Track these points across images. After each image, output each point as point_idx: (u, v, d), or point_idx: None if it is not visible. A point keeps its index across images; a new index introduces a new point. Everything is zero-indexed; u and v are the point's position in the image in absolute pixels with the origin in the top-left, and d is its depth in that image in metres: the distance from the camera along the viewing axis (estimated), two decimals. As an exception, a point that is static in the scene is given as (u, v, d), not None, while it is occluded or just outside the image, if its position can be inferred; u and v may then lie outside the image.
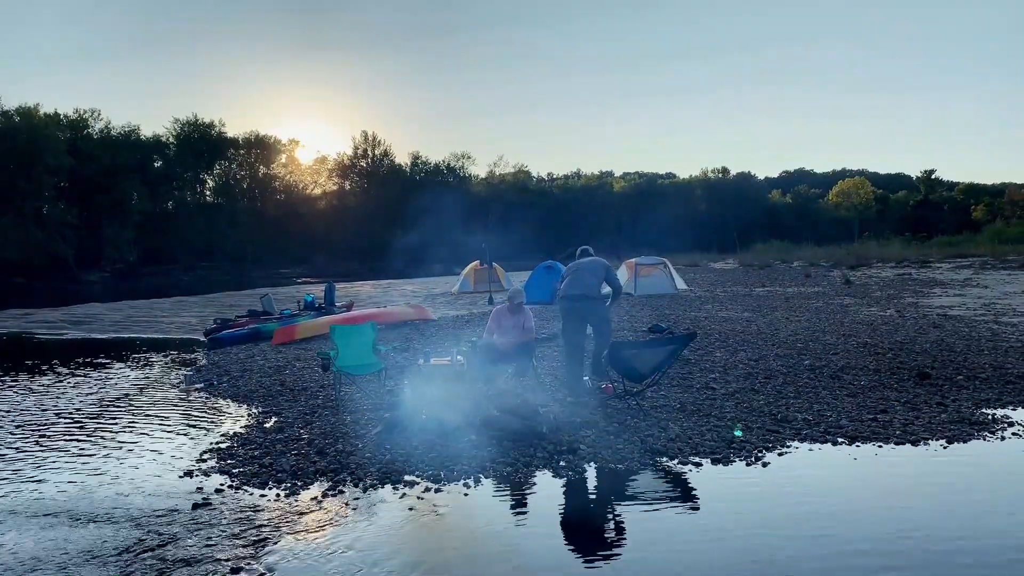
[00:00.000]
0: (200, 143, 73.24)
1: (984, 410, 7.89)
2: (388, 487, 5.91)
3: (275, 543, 4.88)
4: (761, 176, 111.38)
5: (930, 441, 6.87)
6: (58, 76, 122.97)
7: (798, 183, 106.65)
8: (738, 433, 6.77)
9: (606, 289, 9.12)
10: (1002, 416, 7.66)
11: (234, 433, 7.76)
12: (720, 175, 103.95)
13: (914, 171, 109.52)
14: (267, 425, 8.02)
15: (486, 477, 6.08)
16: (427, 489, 5.84)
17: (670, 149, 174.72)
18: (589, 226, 75.83)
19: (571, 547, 4.90)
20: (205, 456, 6.94)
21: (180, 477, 6.36)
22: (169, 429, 8.17)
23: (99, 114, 68.05)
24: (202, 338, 16.10)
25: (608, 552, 4.80)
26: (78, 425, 8.50)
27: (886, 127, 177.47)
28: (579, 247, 9.51)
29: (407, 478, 6.07)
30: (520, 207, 79.59)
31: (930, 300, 20.17)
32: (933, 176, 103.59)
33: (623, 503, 5.86)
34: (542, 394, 8.56)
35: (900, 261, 37.86)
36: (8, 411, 9.34)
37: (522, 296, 9.74)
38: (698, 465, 6.34)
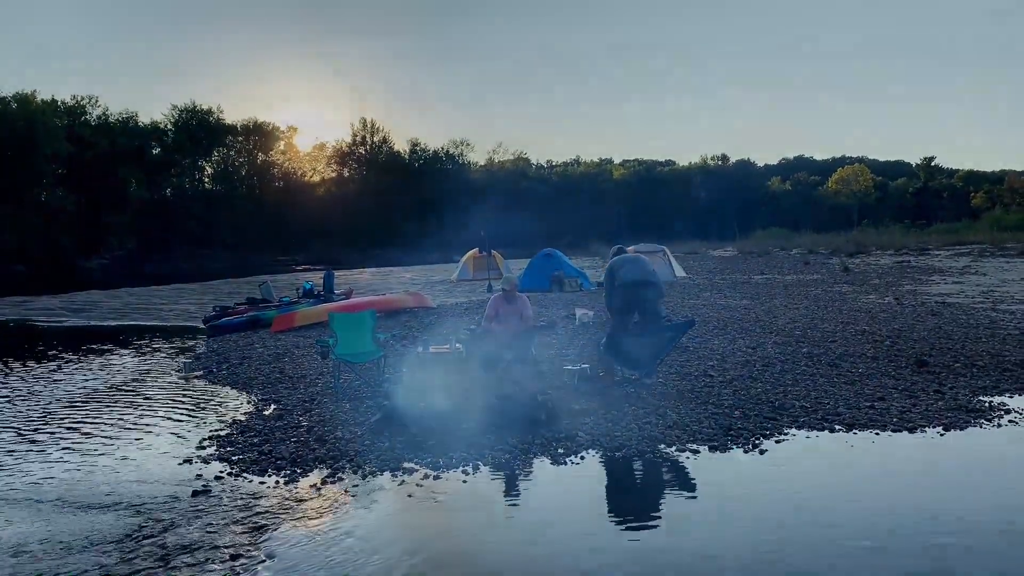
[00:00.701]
0: (198, 130, 72.89)
1: (981, 397, 7.91)
2: (387, 474, 5.94)
3: (274, 530, 4.91)
4: (760, 163, 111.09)
5: (927, 428, 6.90)
6: (54, 62, 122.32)
7: (798, 170, 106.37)
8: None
9: None
10: (999, 403, 7.69)
11: (233, 420, 7.78)
12: (720, 162, 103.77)
13: (914, 158, 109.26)
14: (266, 412, 8.04)
15: (484, 464, 6.11)
16: (426, 476, 5.87)
17: (669, 136, 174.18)
18: (589, 213, 75.70)
19: (568, 534, 4.92)
20: (204, 443, 6.97)
21: (180, 464, 6.39)
22: (168, 417, 8.19)
23: (96, 101, 67.71)
24: (201, 325, 16.11)
25: (606, 538, 4.82)
26: (77, 413, 8.51)
27: (886, 114, 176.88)
28: (615, 246, 9.56)
29: (406, 465, 6.09)
30: (519, 194, 79.44)
31: (928, 288, 20.19)
32: (932, 163, 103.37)
33: (621, 490, 5.90)
34: (540, 382, 8.57)
35: (899, 249, 37.86)
36: (7, 399, 9.36)
37: (513, 284, 9.72)
38: (696, 452, 6.37)
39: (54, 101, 63.84)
